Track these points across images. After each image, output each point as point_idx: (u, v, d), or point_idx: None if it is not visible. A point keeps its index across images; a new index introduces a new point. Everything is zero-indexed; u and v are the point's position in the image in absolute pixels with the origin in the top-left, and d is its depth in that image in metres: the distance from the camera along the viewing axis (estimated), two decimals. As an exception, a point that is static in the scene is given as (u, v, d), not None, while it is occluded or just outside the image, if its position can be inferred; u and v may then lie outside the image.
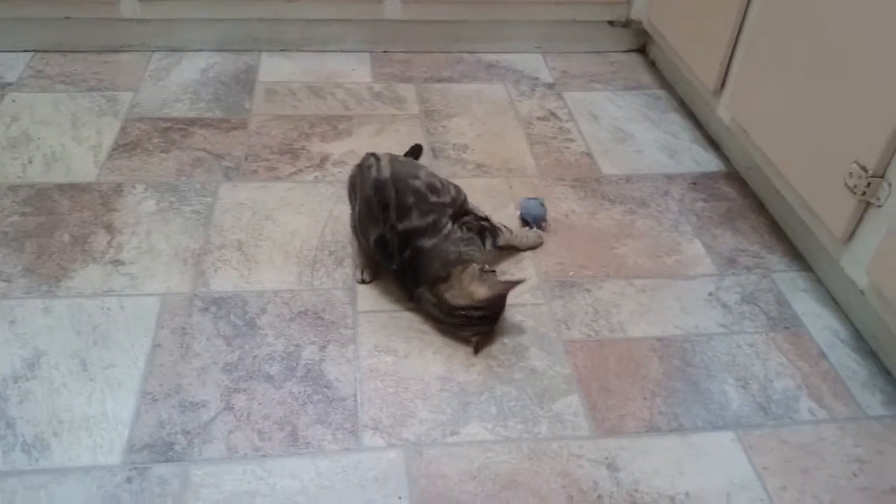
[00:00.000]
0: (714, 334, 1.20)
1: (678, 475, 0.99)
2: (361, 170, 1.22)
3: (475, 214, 1.26)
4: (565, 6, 1.94)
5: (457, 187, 1.25)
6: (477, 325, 1.14)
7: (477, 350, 1.14)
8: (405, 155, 1.44)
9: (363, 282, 1.24)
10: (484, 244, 1.23)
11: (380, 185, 1.16)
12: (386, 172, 1.17)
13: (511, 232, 1.30)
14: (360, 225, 1.19)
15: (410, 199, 1.15)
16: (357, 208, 1.21)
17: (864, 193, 1.11)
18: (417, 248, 1.13)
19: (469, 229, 1.21)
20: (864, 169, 1.11)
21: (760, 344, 1.19)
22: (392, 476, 0.96)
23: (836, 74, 1.17)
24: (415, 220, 1.14)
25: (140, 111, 1.64)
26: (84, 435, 0.99)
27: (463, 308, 1.12)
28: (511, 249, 1.32)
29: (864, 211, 1.13)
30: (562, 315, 1.21)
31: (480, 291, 1.12)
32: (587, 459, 1.00)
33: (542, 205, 1.38)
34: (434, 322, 1.17)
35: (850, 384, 1.14)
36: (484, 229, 1.24)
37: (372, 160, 1.22)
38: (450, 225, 1.18)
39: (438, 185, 1.21)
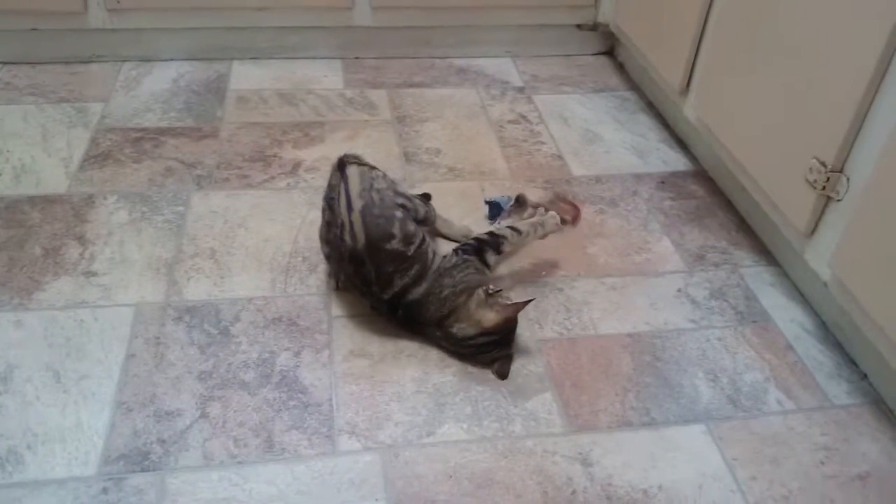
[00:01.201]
0: (684, 330, 1.22)
1: (651, 468, 1.01)
2: (331, 195, 1.16)
3: (467, 235, 1.27)
4: (534, 11, 1.97)
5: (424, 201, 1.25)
6: (490, 350, 1.11)
7: (502, 374, 1.11)
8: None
9: (338, 288, 1.24)
10: (485, 260, 1.17)
11: (356, 259, 1.10)
12: (361, 237, 1.09)
13: (519, 233, 1.22)
14: (347, 282, 1.19)
15: (390, 268, 1.09)
16: (333, 258, 1.17)
17: (823, 188, 1.14)
18: (408, 303, 1.11)
19: (464, 251, 1.16)
20: (823, 164, 1.14)
21: (729, 338, 1.21)
22: (368, 478, 0.97)
23: (794, 72, 1.20)
24: (397, 283, 1.10)
25: (110, 122, 1.64)
26: (58, 447, 0.98)
27: (472, 337, 1.10)
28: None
29: (825, 205, 1.16)
30: (534, 314, 1.23)
31: (489, 317, 1.10)
32: (561, 456, 1.02)
33: (508, 198, 1.39)
34: (453, 354, 1.14)
35: (817, 375, 1.16)
36: (483, 244, 1.18)
37: (340, 188, 1.14)
38: (436, 257, 1.14)
39: (412, 228, 1.13)
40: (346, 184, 1.14)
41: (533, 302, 1.19)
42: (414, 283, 1.10)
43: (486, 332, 1.10)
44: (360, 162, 1.20)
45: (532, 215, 1.32)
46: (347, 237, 1.10)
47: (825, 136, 1.13)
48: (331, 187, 1.17)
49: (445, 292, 1.11)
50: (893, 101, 1.02)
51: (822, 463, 1.03)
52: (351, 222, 1.10)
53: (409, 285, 1.10)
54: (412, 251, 1.11)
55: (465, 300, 1.11)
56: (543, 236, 1.25)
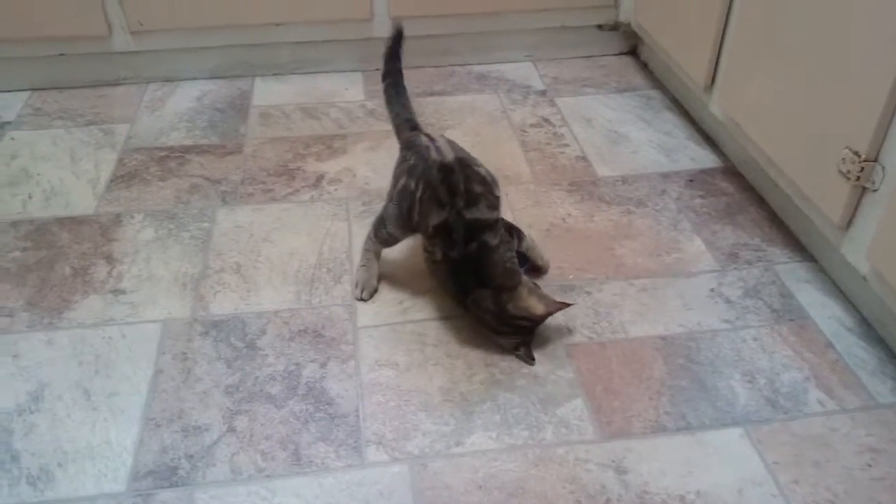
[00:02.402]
0: (718, 330, 1.19)
1: (688, 474, 0.98)
2: (416, 150, 1.18)
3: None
4: (553, 13, 1.95)
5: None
6: (522, 334, 1.14)
7: (530, 357, 1.13)
8: (390, 42, 1.40)
9: (362, 300, 1.23)
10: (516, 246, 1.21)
11: (446, 169, 1.11)
12: (450, 155, 1.14)
13: (531, 241, 1.27)
14: (420, 208, 1.12)
15: (478, 188, 1.11)
16: (412, 194, 1.14)
17: (858, 178, 1.10)
18: (483, 242, 1.10)
19: (504, 228, 1.18)
20: (856, 154, 1.10)
21: (765, 337, 1.18)
22: (396, 490, 0.96)
23: (822, 61, 1.16)
24: (483, 212, 1.10)
25: (137, 142, 1.66)
26: (88, 464, 0.99)
27: (517, 318, 1.11)
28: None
29: (861, 196, 1.12)
30: (562, 319, 1.20)
31: (539, 308, 1.11)
32: (594, 463, 0.99)
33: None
34: (481, 323, 1.14)
35: (860, 373, 1.12)
36: (511, 229, 1.22)
37: (426, 139, 1.19)
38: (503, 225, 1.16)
39: (493, 179, 1.17)
40: (434, 142, 1.19)
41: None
42: (492, 227, 1.11)
43: (529, 319, 1.12)
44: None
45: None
46: (434, 154, 1.15)
47: (857, 125, 1.09)
48: (418, 147, 1.19)
49: (508, 265, 1.12)
50: (929, 85, 0.98)
51: (869, 465, 0.99)
52: (437, 147, 1.16)
53: (489, 225, 1.11)
54: (496, 193, 1.15)
55: (517, 283, 1.13)
56: (533, 258, 1.28)
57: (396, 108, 1.34)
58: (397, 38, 1.39)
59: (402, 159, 1.22)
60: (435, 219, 1.11)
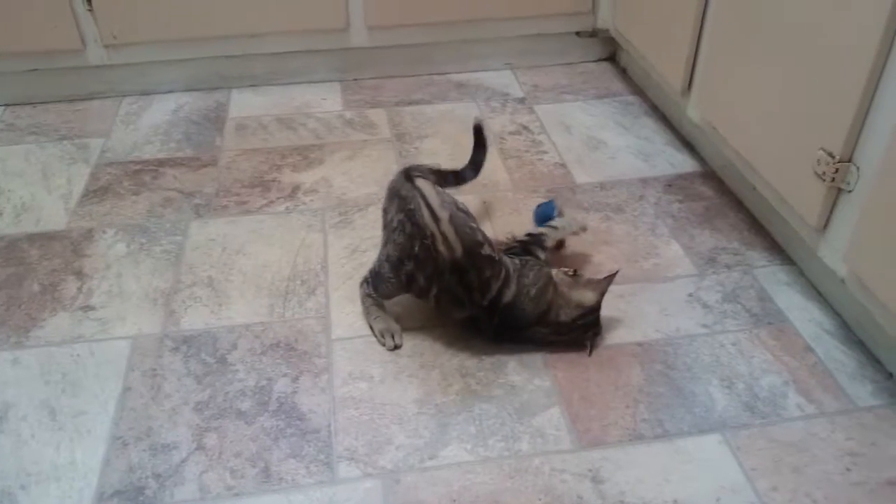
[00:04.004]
0: (696, 335, 1.17)
1: (665, 482, 0.96)
2: (407, 213, 1.09)
3: (513, 238, 1.25)
4: (532, 20, 1.95)
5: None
6: (591, 326, 1.14)
7: (592, 350, 1.14)
8: (475, 147, 1.33)
9: (397, 347, 1.16)
10: (537, 256, 1.20)
11: (459, 267, 1.07)
12: (457, 246, 1.06)
13: (556, 229, 1.26)
14: (442, 307, 1.12)
15: (487, 273, 1.08)
16: (411, 274, 1.10)
17: (833, 180, 1.09)
18: (504, 307, 1.10)
19: (517, 254, 1.18)
20: (831, 155, 1.09)
21: (744, 342, 1.16)
22: (369, 506, 0.94)
23: (795, 63, 1.16)
24: (494, 287, 1.09)
25: (111, 156, 1.64)
26: (53, 486, 0.96)
27: (578, 318, 1.12)
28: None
29: (836, 198, 1.12)
30: (539, 327, 1.18)
31: (588, 296, 1.12)
32: (570, 473, 0.97)
33: (552, 205, 1.33)
34: (550, 346, 1.15)
35: (839, 376, 1.11)
36: (527, 244, 1.21)
37: (418, 200, 1.09)
38: (508, 261, 1.13)
39: (486, 237, 1.13)
40: (424, 195, 1.10)
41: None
42: (504, 285, 1.10)
43: (589, 310, 1.12)
44: (424, 175, 1.17)
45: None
46: (442, 248, 1.06)
47: (831, 126, 1.09)
48: (403, 199, 1.12)
49: (533, 291, 1.11)
50: (899, 84, 0.98)
51: (849, 469, 0.98)
52: (443, 233, 1.07)
53: (502, 288, 1.09)
54: (497, 255, 1.12)
55: (553, 291, 1.12)
56: (567, 236, 1.31)
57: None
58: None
59: (396, 219, 1.12)
60: (458, 314, 1.13)
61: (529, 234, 1.23)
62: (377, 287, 1.17)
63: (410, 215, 1.09)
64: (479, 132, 1.32)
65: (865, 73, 1.01)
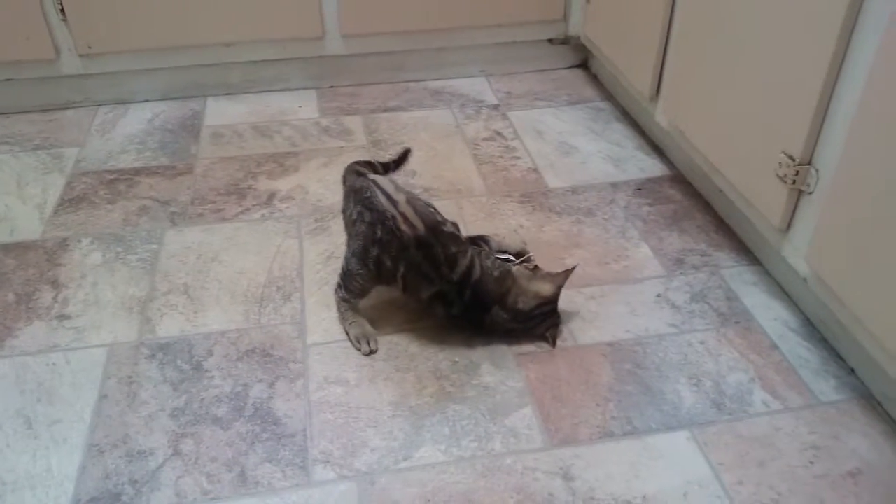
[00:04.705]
0: (664, 335, 1.20)
1: (634, 479, 0.99)
2: (365, 203, 1.13)
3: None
4: (505, 29, 1.98)
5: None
6: (549, 317, 1.17)
7: (554, 340, 1.17)
8: (396, 162, 1.35)
9: (373, 352, 1.17)
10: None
11: (424, 243, 1.09)
12: (419, 223, 1.10)
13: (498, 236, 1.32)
14: (410, 286, 1.13)
15: (453, 248, 1.11)
16: (377, 259, 1.11)
17: (794, 182, 1.13)
18: (474, 283, 1.12)
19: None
20: (791, 158, 1.12)
21: (711, 341, 1.19)
22: (344, 507, 0.95)
23: (755, 70, 1.19)
24: (462, 264, 1.11)
25: (86, 165, 1.64)
26: (28, 494, 0.97)
27: (535, 308, 1.15)
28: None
29: (798, 199, 1.15)
30: (512, 330, 1.21)
31: (545, 287, 1.16)
32: (542, 471, 0.99)
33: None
34: (510, 335, 1.18)
35: (803, 372, 1.14)
36: (475, 239, 1.25)
37: (373, 189, 1.13)
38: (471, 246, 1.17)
39: (447, 219, 1.17)
40: (377, 183, 1.15)
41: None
42: (471, 263, 1.12)
43: (546, 300, 1.16)
44: (367, 166, 1.26)
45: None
46: (404, 226, 1.09)
47: (791, 130, 1.12)
48: (357, 190, 1.15)
49: (496, 273, 1.15)
50: (853, 89, 1.01)
51: (812, 462, 1.01)
52: (402, 213, 1.10)
53: (470, 266, 1.12)
54: (461, 235, 1.15)
55: (512, 281, 1.15)
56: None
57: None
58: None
59: (356, 212, 1.15)
60: (426, 291, 1.13)
61: (476, 237, 1.27)
62: (348, 287, 1.18)
63: (368, 203, 1.12)
64: (404, 156, 1.35)
65: (821, 79, 1.05)
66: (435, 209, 1.16)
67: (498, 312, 1.15)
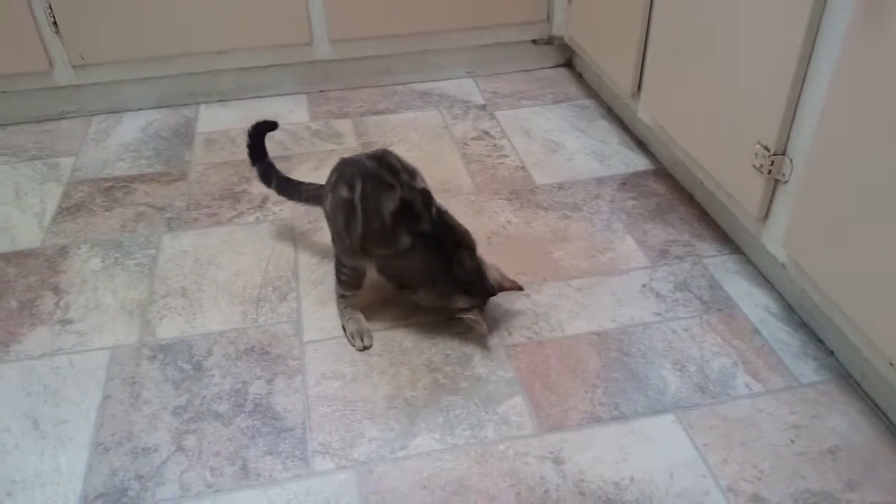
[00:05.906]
0: (650, 323, 1.24)
1: (622, 461, 1.02)
2: (329, 180, 1.21)
3: None
4: (490, 30, 2.01)
5: None
6: (483, 297, 1.18)
7: (477, 323, 1.16)
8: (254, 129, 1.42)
9: (366, 348, 1.20)
10: None
11: (377, 156, 1.16)
12: (370, 151, 1.19)
13: None
14: (366, 206, 1.12)
15: (410, 166, 1.17)
16: (348, 202, 1.14)
17: (770, 172, 1.17)
18: (438, 208, 1.15)
19: None
20: (766, 148, 1.16)
21: (695, 328, 1.23)
22: (343, 496, 0.98)
23: (730, 64, 1.23)
24: (420, 179, 1.16)
25: (82, 174, 1.67)
26: (38, 492, 1.00)
27: (475, 280, 1.16)
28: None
29: (774, 188, 1.19)
30: (503, 321, 1.24)
31: (492, 273, 1.18)
32: (533, 456, 1.03)
33: None
34: (442, 299, 1.18)
35: (784, 355, 1.18)
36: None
37: (331, 181, 1.20)
38: None
39: None
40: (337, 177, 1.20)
41: (501, 310, 1.24)
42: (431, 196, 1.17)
43: (484, 279, 1.17)
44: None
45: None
46: (353, 157, 1.18)
47: (765, 121, 1.16)
48: (327, 191, 1.22)
49: (463, 227, 1.18)
50: (822, 80, 1.05)
51: (792, 441, 1.05)
52: (356, 156, 1.19)
53: (431, 194, 1.17)
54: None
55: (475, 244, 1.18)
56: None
57: (300, 189, 1.36)
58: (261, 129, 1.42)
59: (330, 205, 1.21)
60: (390, 204, 1.11)
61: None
62: (342, 277, 1.22)
63: (333, 188, 1.18)
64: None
65: (792, 71, 1.09)
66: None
67: (466, 254, 1.15)
